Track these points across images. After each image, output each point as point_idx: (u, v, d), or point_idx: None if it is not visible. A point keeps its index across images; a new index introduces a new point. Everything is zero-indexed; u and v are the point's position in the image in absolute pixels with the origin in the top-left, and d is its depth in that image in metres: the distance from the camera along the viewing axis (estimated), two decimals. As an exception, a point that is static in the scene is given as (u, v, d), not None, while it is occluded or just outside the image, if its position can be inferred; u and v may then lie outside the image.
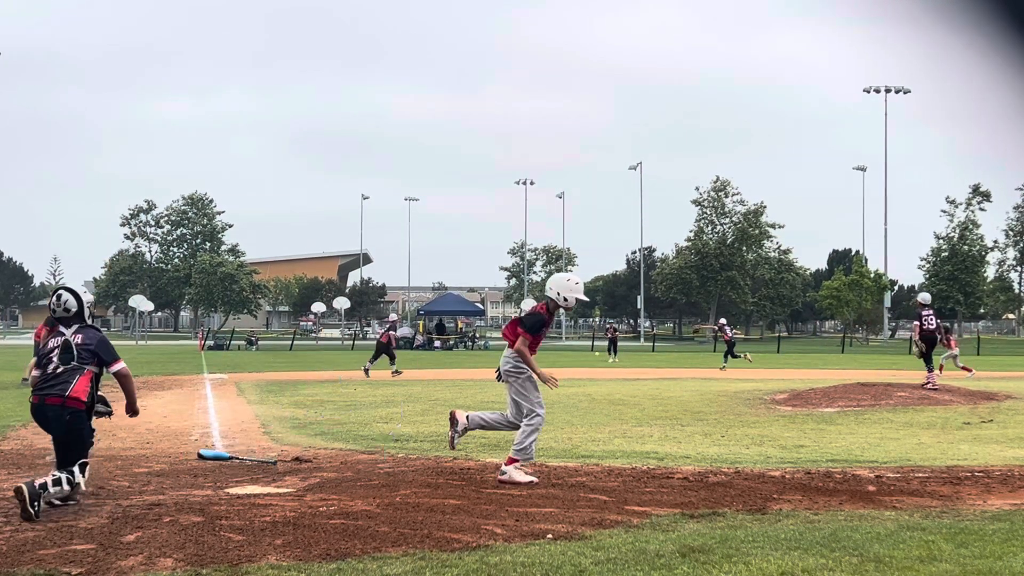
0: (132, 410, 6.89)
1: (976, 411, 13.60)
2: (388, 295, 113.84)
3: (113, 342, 7.04)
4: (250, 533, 5.40)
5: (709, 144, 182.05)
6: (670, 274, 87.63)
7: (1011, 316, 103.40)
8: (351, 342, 65.60)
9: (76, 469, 6.32)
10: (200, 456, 8.99)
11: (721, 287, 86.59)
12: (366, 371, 23.88)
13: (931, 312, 18.36)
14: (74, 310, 6.77)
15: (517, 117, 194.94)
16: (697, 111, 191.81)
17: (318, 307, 78.03)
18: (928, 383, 16.91)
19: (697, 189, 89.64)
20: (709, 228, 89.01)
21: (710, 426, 12.13)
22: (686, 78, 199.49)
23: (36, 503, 5.86)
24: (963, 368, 24.59)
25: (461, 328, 63.93)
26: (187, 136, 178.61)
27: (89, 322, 6.87)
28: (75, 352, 6.51)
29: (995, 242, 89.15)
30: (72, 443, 6.41)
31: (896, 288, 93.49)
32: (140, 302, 66.68)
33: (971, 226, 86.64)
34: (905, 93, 76.56)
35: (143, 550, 5.01)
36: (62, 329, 6.72)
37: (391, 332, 26.09)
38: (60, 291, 6.84)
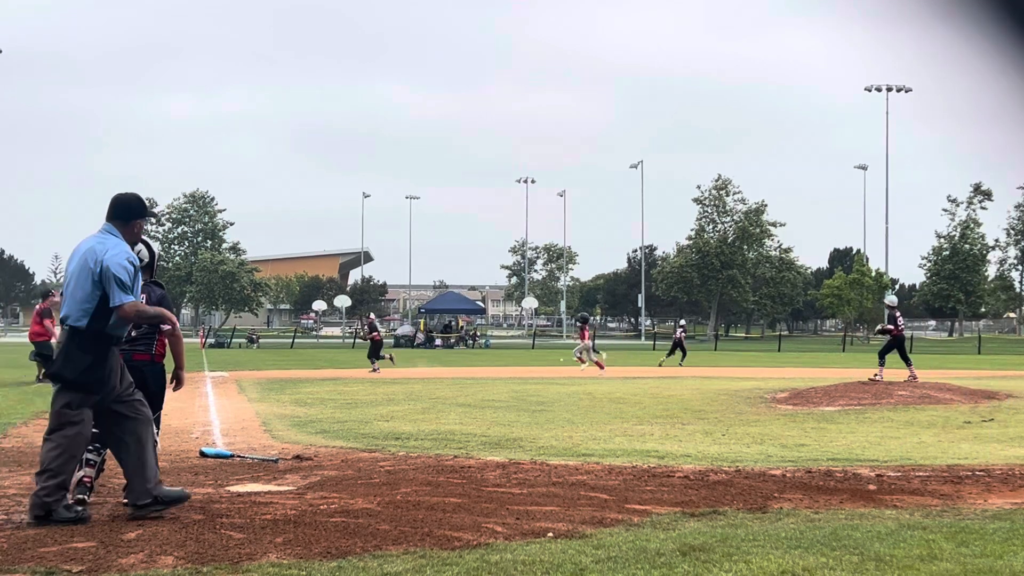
0: (177, 377, 6.81)
1: (977, 410, 13.60)
2: (389, 293, 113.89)
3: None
4: (251, 531, 5.40)
5: (710, 142, 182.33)
6: (671, 273, 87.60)
7: (1012, 315, 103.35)
8: (352, 340, 65.61)
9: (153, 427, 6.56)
10: (201, 454, 9.00)
11: (722, 286, 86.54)
12: (375, 368, 25.81)
13: (898, 312, 19.53)
14: (145, 260, 6.71)
15: (518, 115, 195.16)
16: (698, 110, 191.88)
17: (319, 305, 78.11)
18: (878, 376, 17.95)
19: (698, 187, 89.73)
20: (710, 227, 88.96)
21: (711, 424, 12.13)
22: (687, 77, 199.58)
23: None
24: (597, 362, 26.44)
25: (462, 326, 63.97)
26: (188, 134, 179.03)
27: (152, 276, 6.83)
28: None
29: (996, 241, 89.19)
30: (160, 397, 6.70)
31: (897, 287, 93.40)
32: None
33: (972, 225, 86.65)
34: (906, 92, 76.50)
35: (144, 548, 5.01)
36: None
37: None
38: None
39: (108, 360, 5.89)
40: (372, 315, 32.94)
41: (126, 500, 6.30)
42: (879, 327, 20.93)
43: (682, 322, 36.23)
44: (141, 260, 6.66)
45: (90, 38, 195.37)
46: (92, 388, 5.82)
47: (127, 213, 6.12)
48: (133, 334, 6.57)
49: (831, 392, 15.91)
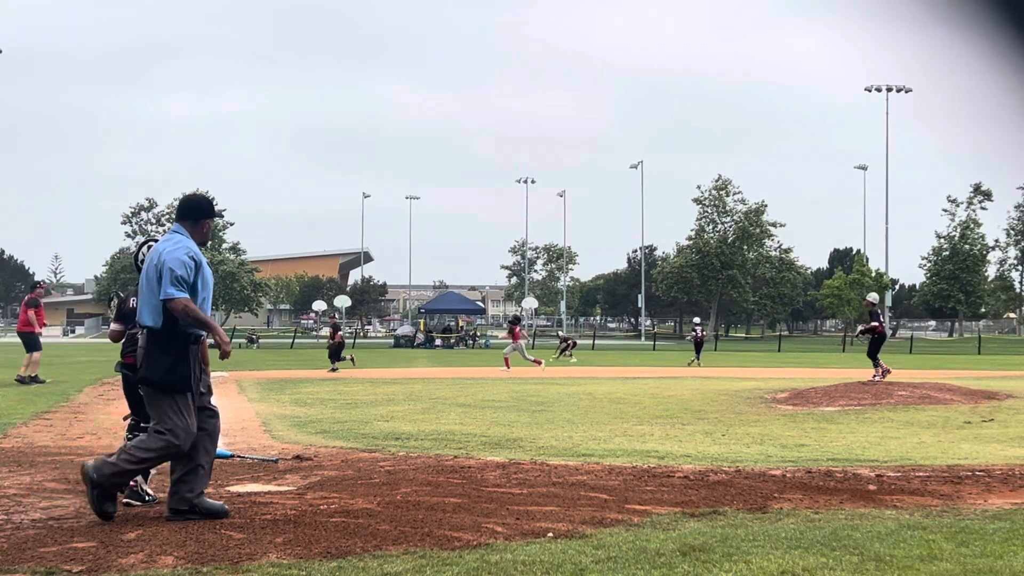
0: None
1: (977, 410, 13.60)
2: (389, 293, 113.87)
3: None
4: (251, 531, 5.40)
5: (710, 143, 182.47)
6: (671, 273, 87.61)
7: (1012, 315, 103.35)
8: (352, 340, 65.58)
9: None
10: (201, 454, 8.99)
11: (722, 286, 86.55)
12: (334, 369, 25.80)
13: (879, 310, 19.57)
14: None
15: (519, 115, 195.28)
16: (698, 110, 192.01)
17: (319, 305, 78.09)
18: (877, 376, 17.84)
19: (698, 188, 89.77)
20: (710, 227, 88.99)
21: (711, 425, 12.13)
22: (687, 77, 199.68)
23: (148, 497, 6.31)
24: (534, 361, 27.35)
25: (462, 327, 63.94)
26: (188, 134, 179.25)
27: None
28: None
29: (996, 241, 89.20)
30: None
31: (897, 287, 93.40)
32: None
33: (972, 225, 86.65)
34: (906, 92, 76.42)
35: (144, 548, 5.01)
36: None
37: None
38: (150, 242, 6.73)
39: (190, 358, 5.84)
40: (335, 315, 33.14)
41: (124, 500, 6.31)
42: (860, 327, 20.95)
43: (696, 320, 36.23)
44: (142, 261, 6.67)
45: (90, 38, 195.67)
46: (180, 387, 5.77)
47: (196, 213, 6.12)
48: (137, 334, 6.50)
49: (831, 392, 15.92)
